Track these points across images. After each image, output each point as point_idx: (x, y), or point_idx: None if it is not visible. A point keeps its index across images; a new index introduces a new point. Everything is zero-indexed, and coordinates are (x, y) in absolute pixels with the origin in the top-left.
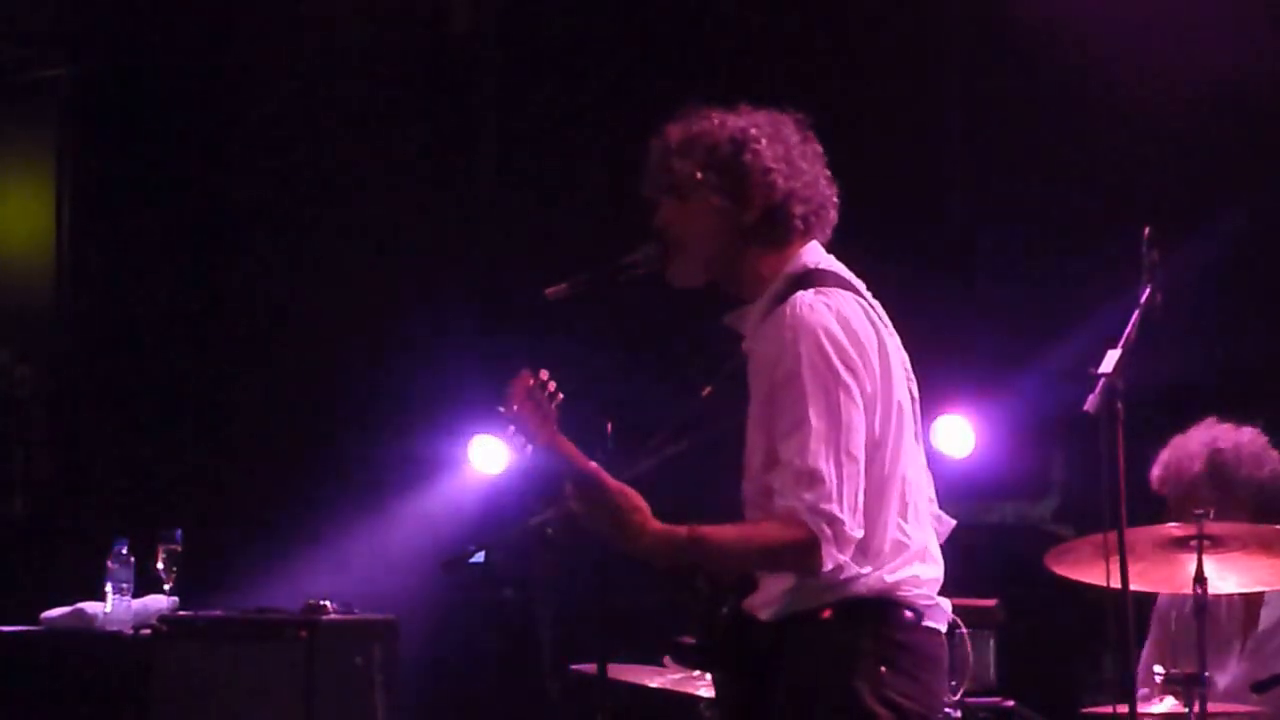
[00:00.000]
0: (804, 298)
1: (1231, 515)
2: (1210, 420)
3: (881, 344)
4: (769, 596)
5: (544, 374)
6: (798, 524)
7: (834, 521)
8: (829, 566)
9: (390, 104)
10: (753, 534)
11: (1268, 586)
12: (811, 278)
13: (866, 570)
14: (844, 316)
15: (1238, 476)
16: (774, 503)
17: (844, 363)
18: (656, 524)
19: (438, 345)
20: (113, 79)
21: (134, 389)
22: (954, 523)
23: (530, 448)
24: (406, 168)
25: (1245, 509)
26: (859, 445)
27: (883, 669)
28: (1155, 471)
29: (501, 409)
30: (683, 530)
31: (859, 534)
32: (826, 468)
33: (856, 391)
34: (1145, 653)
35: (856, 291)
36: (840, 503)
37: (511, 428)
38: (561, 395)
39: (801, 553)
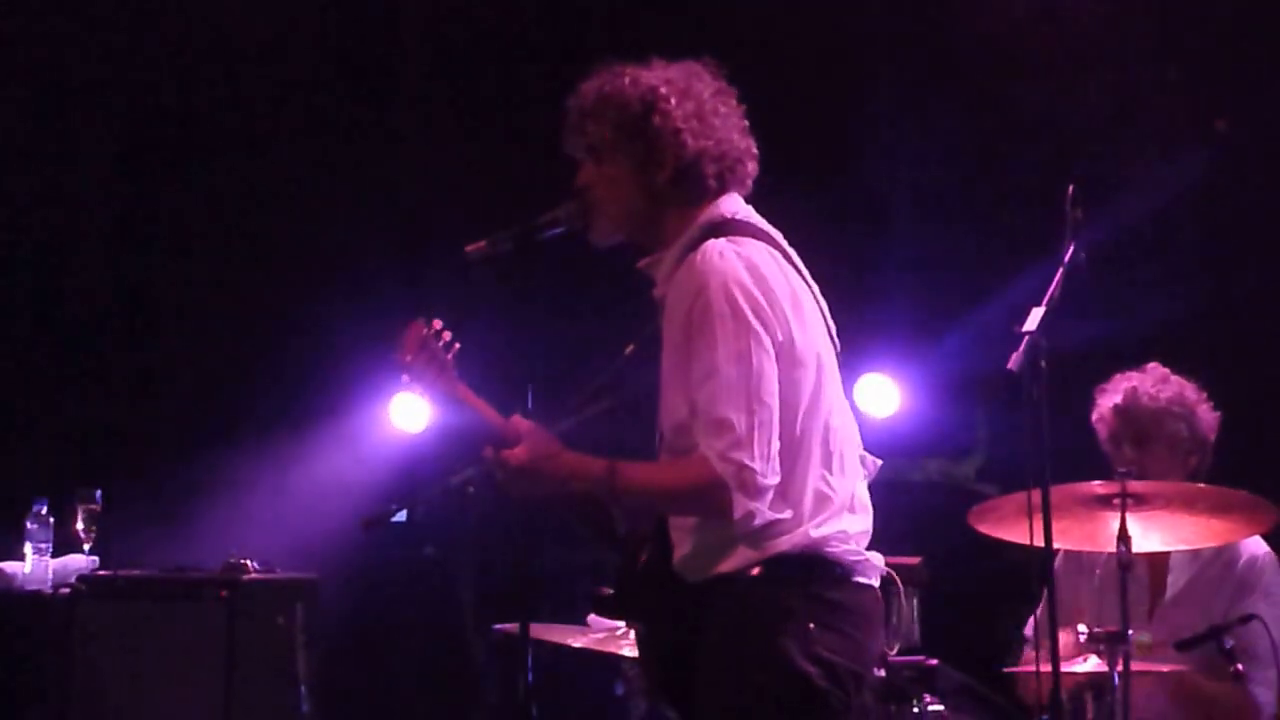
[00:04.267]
0: (715, 245)
1: (1183, 449)
2: (1152, 365)
3: (794, 293)
4: (692, 556)
5: (437, 323)
6: (709, 470)
7: (744, 469)
8: (739, 514)
9: (314, 67)
10: (667, 473)
11: (1189, 545)
12: (725, 227)
13: (787, 515)
14: (754, 264)
15: (1199, 410)
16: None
17: (753, 310)
18: (573, 454)
19: (360, 303)
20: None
21: (51, 347)
22: (880, 462)
23: (426, 395)
24: (329, 125)
25: (1198, 451)
26: (771, 392)
27: (811, 626)
28: (1114, 401)
29: (396, 358)
30: (601, 462)
31: (774, 480)
32: (736, 416)
33: (767, 339)
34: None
35: (772, 241)
36: (751, 450)
37: (406, 376)
38: (458, 344)
39: (712, 498)
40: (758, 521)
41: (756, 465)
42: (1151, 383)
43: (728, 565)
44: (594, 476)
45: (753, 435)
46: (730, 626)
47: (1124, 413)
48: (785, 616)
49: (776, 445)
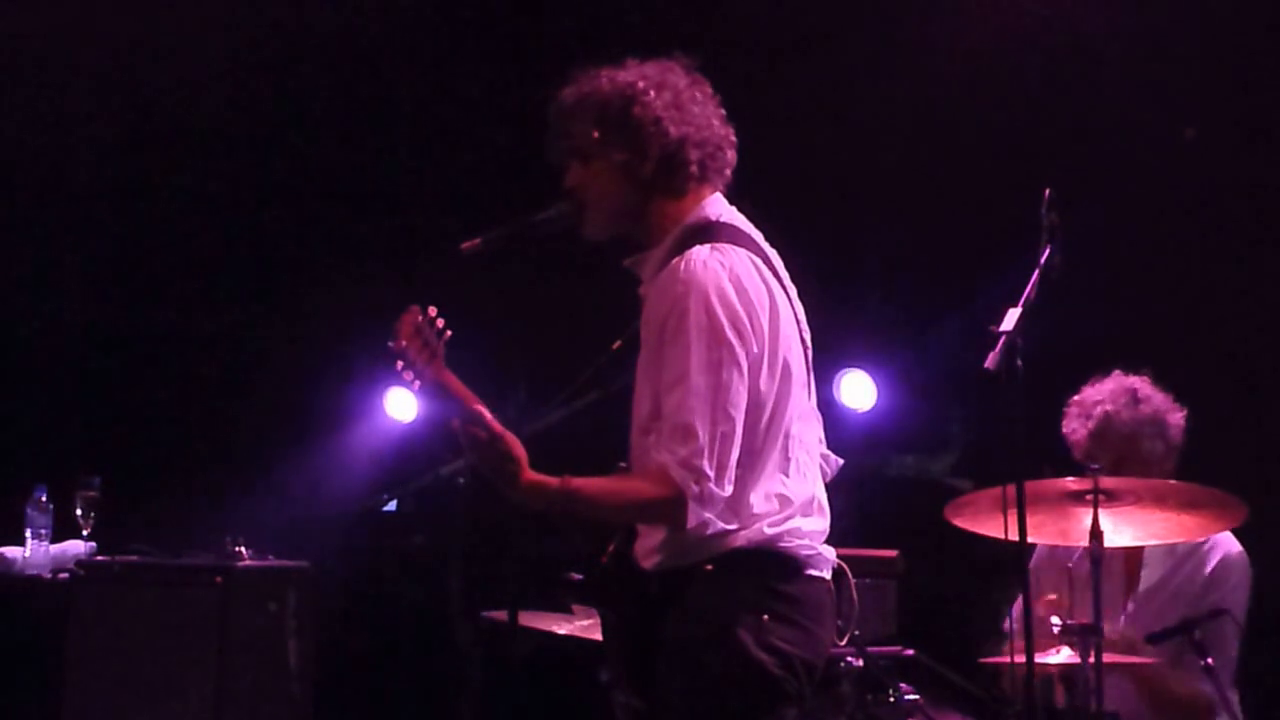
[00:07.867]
0: (699, 254)
1: (1159, 464)
2: (1116, 373)
3: (773, 303)
4: (651, 548)
5: (432, 310)
6: (667, 480)
7: (702, 478)
8: (693, 523)
9: (315, 66)
10: (622, 488)
11: (1160, 540)
12: (710, 231)
13: (734, 526)
14: (736, 275)
15: (1171, 420)
16: (650, 455)
17: (731, 323)
18: (531, 474)
19: (355, 297)
20: None
21: (52, 336)
22: (841, 461)
23: (418, 383)
24: (321, 118)
25: (1172, 458)
26: (737, 406)
27: (765, 617)
28: (1088, 427)
29: (389, 344)
30: (555, 482)
31: (726, 492)
32: (701, 424)
33: (740, 352)
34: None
35: (754, 246)
36: (712, 460)
37: (399, 363)
38: (450, 333)
39: (667, 509)
40: (709, 531)
41: (712, 475)
42: (1125, 404)
43: (684, 559)
44: (549, 494)
45: (713, 445)
46: (688, 618)
47: (1100, 438)
48: (740, 608)
49: (735, 457)
